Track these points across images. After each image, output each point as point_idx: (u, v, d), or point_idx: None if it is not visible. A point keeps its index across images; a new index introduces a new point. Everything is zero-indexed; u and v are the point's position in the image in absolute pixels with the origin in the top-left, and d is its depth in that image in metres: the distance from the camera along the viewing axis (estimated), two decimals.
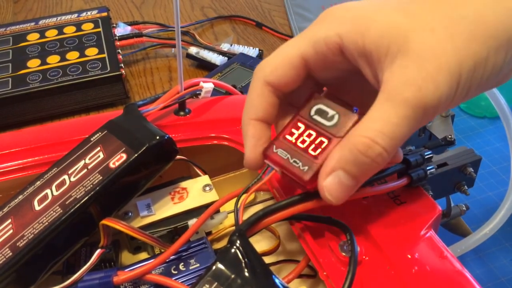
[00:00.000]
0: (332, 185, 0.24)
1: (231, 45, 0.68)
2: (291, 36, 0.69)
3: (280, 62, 0.26)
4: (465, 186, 0.37)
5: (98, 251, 0.30)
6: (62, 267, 0.31)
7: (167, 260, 0.30)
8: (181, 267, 0.31)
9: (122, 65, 0.60)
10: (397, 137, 0.22)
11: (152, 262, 0.29)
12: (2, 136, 0.39)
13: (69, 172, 0.31)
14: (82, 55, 0.61)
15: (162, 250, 0.33)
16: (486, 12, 0.22)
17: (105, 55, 0.61)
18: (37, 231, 0.28)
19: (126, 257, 0.34)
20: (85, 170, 0.31)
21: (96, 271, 0.29)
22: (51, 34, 0.64)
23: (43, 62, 0.60)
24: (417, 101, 0.22)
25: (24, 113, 0.58)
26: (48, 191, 0.30)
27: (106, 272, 0.29)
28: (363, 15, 0.24)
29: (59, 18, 0.67)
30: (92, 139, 0.33)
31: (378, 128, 0.22)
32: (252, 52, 0.65)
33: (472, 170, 0.36)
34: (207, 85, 0.37)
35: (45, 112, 0.58)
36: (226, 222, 0.36)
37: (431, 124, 0.42)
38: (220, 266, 0.26)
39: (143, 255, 0.35)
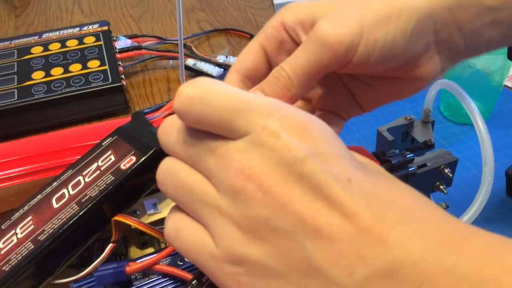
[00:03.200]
0: None
1: (226, 57, 0.71)
2: None
3: (244, 55, 0.30)
4: (443, 186, 0.40)
5: (110, 245, 0.33)
6: (76, 261, 0.34)
7: (173, 253, 0.33)
8: (186, 259, 0.34)
9: (123, 76, 0.63)
10: (300, 65, 0.26)
11: (160, 254, 0.32)
12: (13, 143, 0.41)
13: (84, 173, 0.34)
14: (85, 67, 0.64)
15: (168, 245, 0.36)
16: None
17: (107, 67, 0.64)
18: (56, 226, 0.31)
19: (134, 252, 0.37)
20: (98, 171, 0.34)
21: (109, 262, 0.32)
22: (55, 47, 0.68)
23: (47, 74, 0.63)
24: (317, 36, 0.26)
25: (29, 123, 0.61)
26: (65, 190, 0.33)
27: (118, 263, 0.32)
28: (300, 4, 0.29)
29: (61, 32, 0.70)
30: (103, 143, 0.36)
31: (287, 60, 0.27)
32: None
33: (450, 171, 0.40)
34: None
35: (49, 121, 0.61)
36: None
37: (413, 130, 0.46)
38: None
39: (150, 250, 0.37)
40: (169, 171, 0.24)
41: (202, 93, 0.21)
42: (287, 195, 0.20)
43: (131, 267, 0.32)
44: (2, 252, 0.31)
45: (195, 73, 0.69)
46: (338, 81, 0.32)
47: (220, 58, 0.71)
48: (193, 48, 0.75)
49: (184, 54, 0.71)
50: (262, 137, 0.21)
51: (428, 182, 0.39)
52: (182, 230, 0.23)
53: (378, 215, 0.19)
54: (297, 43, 0.29)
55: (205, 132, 0.22)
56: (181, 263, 0.33)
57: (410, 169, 0.36)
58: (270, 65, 0.30)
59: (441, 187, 0.40)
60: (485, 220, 0.49)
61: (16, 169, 0.37)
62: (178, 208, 0.24)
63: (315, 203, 0.20)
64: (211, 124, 0.22)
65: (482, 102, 0.55)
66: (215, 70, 0.68)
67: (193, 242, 0.23)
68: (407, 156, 0.37)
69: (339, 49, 0.26)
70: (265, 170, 0.21)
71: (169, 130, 0.24)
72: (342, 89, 0.32)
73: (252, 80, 0.29)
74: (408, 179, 0.34)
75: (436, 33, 0.29)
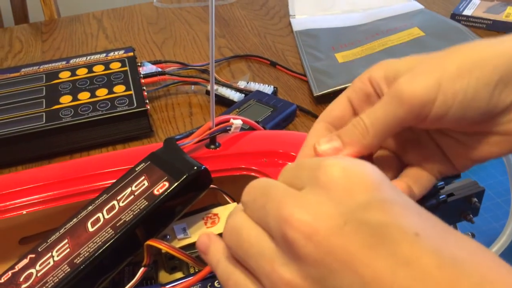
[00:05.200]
0: (323, 142, 0.29)
1: (247, 83, 0.73)
2: (304, 74, 0.74)
3: (333, 105, 0.31)
4: (471, 215, 0.41)
5: (142, 269, 0.34)
6: (108, 284, 0.35)
7: (203, 278, 0.34)
8: (216, 284, 0.34)
9: (147, 101, 0.64)
10: (377, 117, 0.27)
11: (191, 279, 0.33)
12: (48, 167, 0.43)
13: (118, 198, 0.35)
14: (111, 92, 0.66)
15: (197, 270, 0.36)
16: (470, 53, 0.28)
17: (132, 92, 0.66)
18: (91, 249, 0.32)
19: (163, 276, 0.38)
20: (132, 196, 0.35)
21: (141, 287, 0.32)
22: (82, 72, 0.69)
23: (75, 98, 0.65)
24: (395, 91, 0.27)
25: (56, 146, 0.62)
26: (100, 214, 0.34)
27: (150, 287, 0.32)
28: (389, 61, 0.30)
29: (88, 57, 0.72)
30: (137, 169, 0.37)
31: (366, 111, 0.28)
32: (268, 89, 0.70)
33: (477, 200, 0.40)
34: (237, 122, 0.42)
35: (76, 144, 0.62)
36: None
37: None
38: None
39: (179, 274, 0.38)
40: (235, 225, 0.24)
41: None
42: (345, 249, 0.18)
43: None
44: (39, 275, 0.32)
45: (217, 98, 0.70)
46: (428, 137, 0.31)
47: (241, 84, 0.73)
48: (215, 74, 0.76)
49: (206, 80, 0.72)
50: (321, 177, 0.21)
51: (455, 211, 0.40)
52: (240, 281, 0.23)
53: (451, 279, 0.17)
54: (380, 97, 0.30)
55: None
56: None
57: (440, 197, 0.37)
58: (356, 116, 0.30)
59: (469, 216, 0.40)
60: None
61: (51, 193, 0.38)
62: (238, 263, 0.24)
63: (379, 260, 0.18)
64: None
65: None
66: (236, 96, 0.69)
67: None
68: (438, 185, 0.37)
69: (414, 104, 0.26)
70: (318, 218, 0.19)
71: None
72: (432, 145, 0.31)
73: (338, 128, 0.30)
74: (439, 207, 0.35)
75: None
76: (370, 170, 0.21)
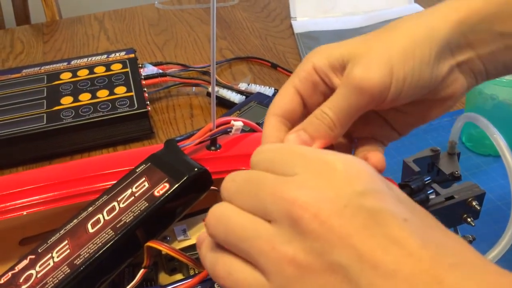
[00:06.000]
0: (293, 139, 0.30)
1: (248, 85, 0.73)
2: None
3: (281, 98, 0.32)
4: (471, 218, 0.41)
5: (142, 271, 0.34)
6: (108, 286, 0.35)
7: (203, 280, 0.34)
8: (215, 286, 0.34)
9: (148, 102, 0.65)
10: (341, 109, 0.29)
11: (191, 281, 0.33)
12: (49, 168, 0.43)
13: (118, 199, 0.35)
14: (112, 93, 0.66)
15: (197, 272, 0.36)
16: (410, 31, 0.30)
17: (133, 93, 0.66)
18: (92, 250, 0.32)
19: (163, 277, 0.38)
20: (133, 197, 0.35)
21: None
22: (83, 73, 0.69)
23: (76, 99, 0.65)
24: (353, 82, 0.28)
25: (57, 146, 0.62)
26: (100, 215, 0.34)
27: None
28: (327, 47, 0.31)
29: (90, 58, 0.72)
30: (137, 170, 0.37)
31: (327, 103, 0.30)
32: (268, 91, 0.70)
33: (477, 203, 0.40)
34: (238, 123, 0.42)
35: (76, 145, 0.63)
36: None
37: (439, 162, 0.46)
38: None
39: (179, 276, 0.38)
40: (222, 214, 0.25)
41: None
42: (344, 228, 0.21)
43: None
44: (39, 275, 0.32)
45: (217, 100, 0.70)
46: (375, 114, 0.34)
47: (242, 86, 0.73)
48: (216, 76, 0.76)
49: (207, 81, 0.73)
50: (319, 168, 0.23)
51: (455, 214, 0.40)
52: (233, 270, 0.24)
53: (435, 257, 0.20)
54: (328, 85, 0.31)
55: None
56: None
57: (429, 192, 0.38)
58: (305, 106, 0.32)
59: (469, 219, 0.40)
60: None
61: (52, 194, 0.38)
62: (224, 250, 0.25)
63: (373, 239, 0.20)
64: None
65: (505, 133, 0.56)
66: (237, 97, 0.69)
67: (244, 279, 0.23)
68: (425, 180, 0.38)
69: (374, 92, 0.28)
70: (321, 200, 0.21)
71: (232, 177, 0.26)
72: (379, 119, 0.34)
73: (291, 121, 0.31)
74: (428, 203, 0.36)
75: (455, 56, 0.31)
76: (366, 166, 0.23)
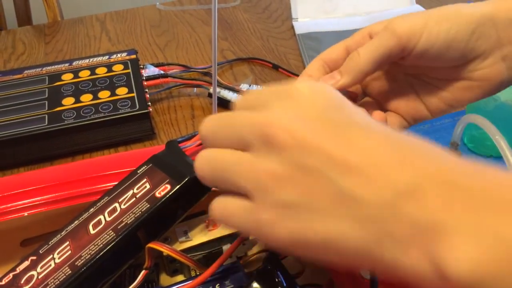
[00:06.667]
0: (326, 78, 0.34)
1: (249, 85, 0.73)
2: None
3: (332, 49, 0.36)
4: None
5: (143, 272, 0.34)
6: (109, 287, 0.35)
7: (205, 281, 0.34)
8: (217, 287, 0.34)
9: (149, 103, 0.65)
10: (370, 47, 0.32)
11: (192, 282, 0.33)
12: (50, 169, 0.43)
13: (120, 200, 0.35)
14: (113, 94, 0.66)
15: (198, 273, 0.36)
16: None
17: (134, 94, 0.66)
18: (93, 251, 0.32)
19: (164, 279, 0.38)
20: (134, 198, 0.35)
21: None
22: (84, 74, 0.69)
23: (77, 100, 0.65)
24: (387, 28, 0.32)
25: (58, 147, 0.62)
26: (101, 217, 0.34)
27: None
28: (386, 20, 0.34)
29: (91, 59, 0.72)
30: (138, 171, 0.37)
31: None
32: None
33: None
34: None
35: (78, 146, 0.63)
36: (256, 248, 0.39)
37: None
38: (256, 285, 0.30)
39: (180, 277, 0.38)
40: (205, 156, 0.27)
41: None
42: (316, 137, 0.23)
43: None
44: (40, 277, 0.32)
45: (219, 100, 0.70)
46: (406, 82, 0.36)
47: (244, 87, 0.73)
48: (217, 77, 0.76)
49: (208, 82, 0.73)
50: (289, 95, 0.25)
51: None
52: (226, 204, 0.26)
53: (396, 148, 0.23)
54: None
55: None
56: None
57: None
58: None
59: None
60: None
61: (53, 195, 0.38)
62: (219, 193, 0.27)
63: (341, 144, 0.23)
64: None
65: (507, 135, 0.55)
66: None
67: (235, 209, 0.25)
68: None
69: (402, 36, 0.31)
70: (292, 119, 0.24)
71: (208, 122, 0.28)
72: (409, 90, 0.36)
73: (331, 68, 0.35)
74: None
75: (500, 40, 0.33)
76: (331, 90, 0.26)
